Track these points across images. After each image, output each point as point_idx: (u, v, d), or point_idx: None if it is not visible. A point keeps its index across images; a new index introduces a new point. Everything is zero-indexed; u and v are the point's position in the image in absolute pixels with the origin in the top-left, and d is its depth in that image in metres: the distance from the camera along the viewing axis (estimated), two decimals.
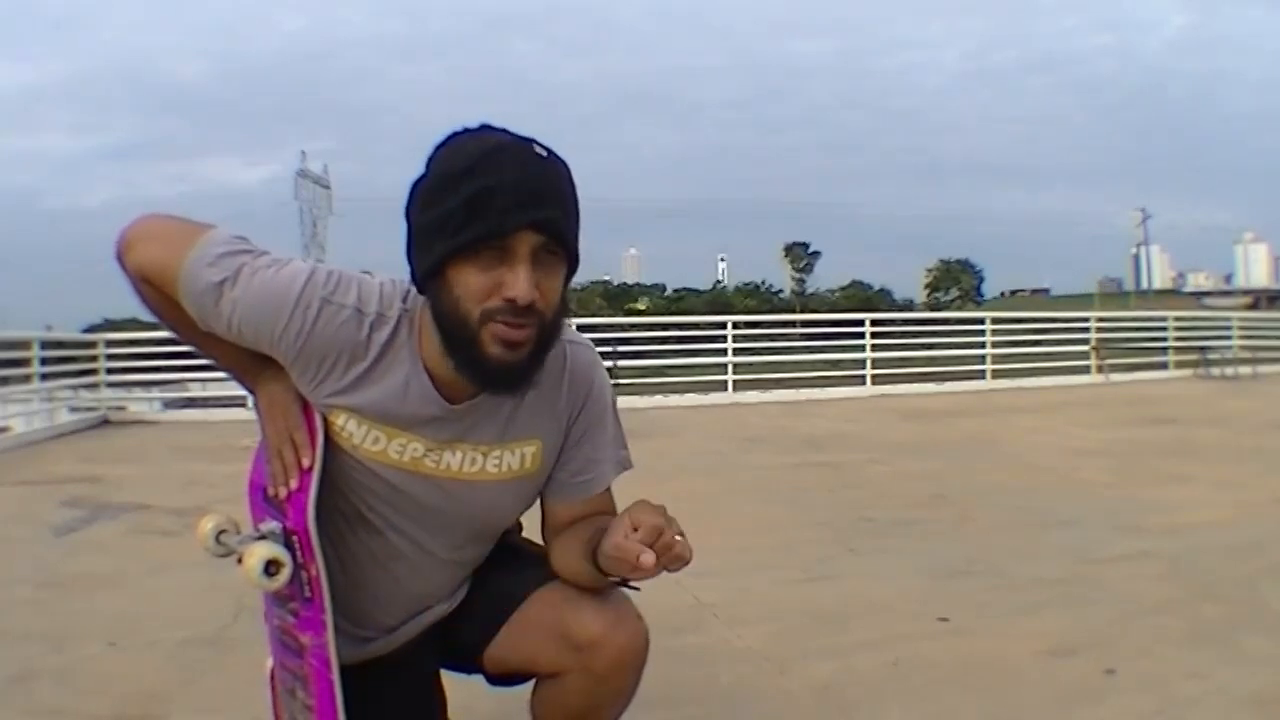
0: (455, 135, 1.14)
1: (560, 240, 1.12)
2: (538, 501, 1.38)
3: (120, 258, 1.24)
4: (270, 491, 1.26)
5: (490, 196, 1.06)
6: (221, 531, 1.28)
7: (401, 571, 1.32)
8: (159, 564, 3.46)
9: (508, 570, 1.39)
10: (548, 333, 1.15)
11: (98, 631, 2.65)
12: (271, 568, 1.17)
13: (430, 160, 1.14)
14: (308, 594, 1.27)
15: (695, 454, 6.30)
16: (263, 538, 1.24)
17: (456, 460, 1.25)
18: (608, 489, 1.37)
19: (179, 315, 1.25)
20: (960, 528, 3.85)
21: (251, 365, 1.26)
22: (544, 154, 1.12)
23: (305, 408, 1.24)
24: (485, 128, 1.15)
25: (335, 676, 1.27)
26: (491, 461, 1.27)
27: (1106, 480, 4.88)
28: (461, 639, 1.41)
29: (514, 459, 1.28)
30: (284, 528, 1.25)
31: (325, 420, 1.23)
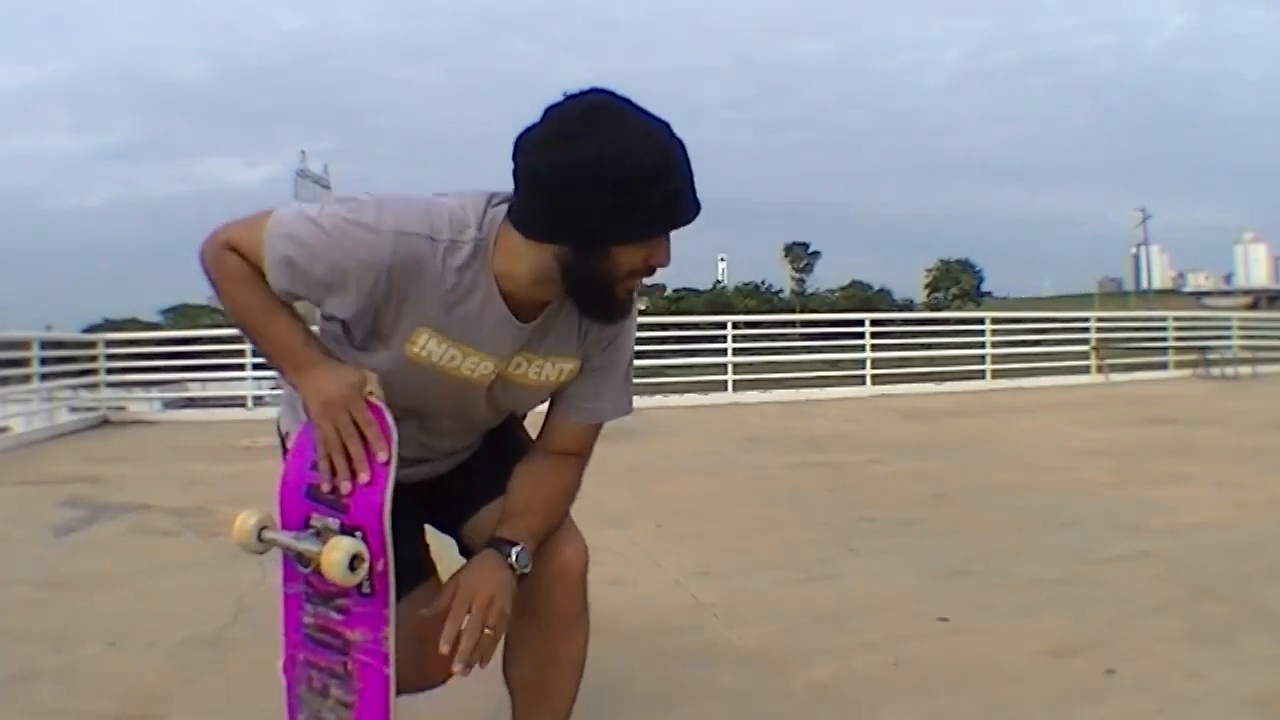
0: (620, 112, 1.21)
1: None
2: None
3: (207, 244, 1.33)
4: (325, 487, 1.29)
5: (680, 200, 1.24)
6: (264, 528, 1.31)
7: (427, 439, 1.46)
8: (159, 564, 3.47)
9: (500, 460, 1.49)
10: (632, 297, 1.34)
11: (98, 631, 2.65)
12: (355, 562, 1.21)
13: (595, 133, 1.18)
14: (367, 590, 1.28)
15: (695, 454, 6.30)
16: (318, 534, 1.28)
17: (516, 368, 1.39)
18: (597, 427, 1.49)
19: (251, 298, 1.32)
20: (960, 528, 3.86)
21: (306, 356, 1.34)
22: (685, 148, 1.25)
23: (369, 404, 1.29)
24: (633, 107, 1.23)
25: (391, 672, 1.30)
26: (535, 369, 1.40)
27: (1106, 480, 4.88)
28: (450, 506, 1.55)
29: (554, 371, 1.41)
30: (341, 524, 1.28)
31: (405, 353, 1.31)
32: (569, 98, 1.22)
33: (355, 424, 1.27)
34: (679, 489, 4.76)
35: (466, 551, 1.51)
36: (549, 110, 1.22)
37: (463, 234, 1.27)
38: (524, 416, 1.61)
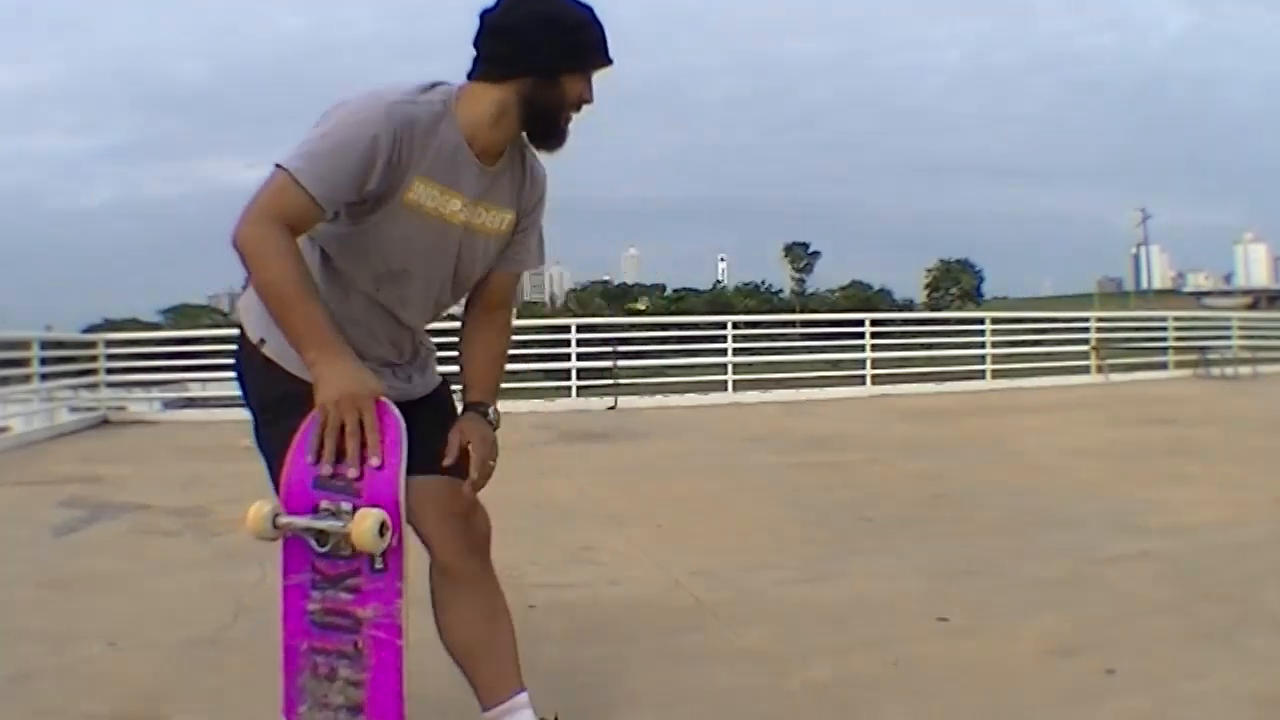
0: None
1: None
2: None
3: (240, 225, 1.47)
4: (326, 471, 1.45)
5: (605, 44, 1.61)
6: (278, 515, 1.43)
7: (405, 311, 1.67)
8: (159, 564, 3.47)
9: (433, 446, 1.59)
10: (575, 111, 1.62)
11: (98, 631, 2.65)
12: (383, 529, 1.37)
13: (551, 6, 1.56)
14: (380, 566, 1.44)
15: (695, 454, 6.30)
16: (334, 515, 1.42)
17: (476, 216, 1.63)
18: (518, 277, 1.82)
19: (290, 273, 1.47)
20: (960, 528, 3.86)
21: (335, 345, 1.49)
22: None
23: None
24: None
25: (404, 643, 1.47)
26: (490, 217, 1.66)
27: (1106, 480, 4.88)
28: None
29: (500, 220, 1.68)
30: (354, 506, 1.41)
31: (403, 200, 1.54)
32: None
33: (361, 424, 1.45)
34: (679, 489, 4.76)
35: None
36: None
37: (432, 94, 1.56)
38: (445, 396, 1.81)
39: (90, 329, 30.25)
